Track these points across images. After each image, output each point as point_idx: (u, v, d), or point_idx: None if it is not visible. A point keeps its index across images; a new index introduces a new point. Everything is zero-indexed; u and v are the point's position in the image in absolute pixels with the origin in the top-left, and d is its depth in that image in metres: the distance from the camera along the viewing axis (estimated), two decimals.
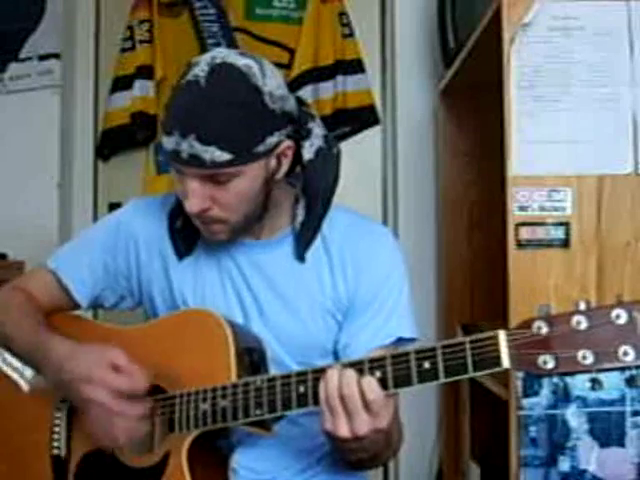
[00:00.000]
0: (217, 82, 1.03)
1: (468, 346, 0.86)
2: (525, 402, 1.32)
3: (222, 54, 1.06)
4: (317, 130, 1.16)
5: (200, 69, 1.04)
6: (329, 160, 1.17)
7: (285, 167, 1.13)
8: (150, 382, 1.03)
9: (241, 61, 1.05)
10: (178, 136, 1.02)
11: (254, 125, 1.04)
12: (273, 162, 1.09)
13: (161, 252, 1.22)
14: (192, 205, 1.06)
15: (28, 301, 1.21)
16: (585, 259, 1.36)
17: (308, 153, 1.14)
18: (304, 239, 1.17)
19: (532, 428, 1.32)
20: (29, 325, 1.16)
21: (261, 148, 1.05)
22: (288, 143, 1.10)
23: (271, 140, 1.06)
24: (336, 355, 1.18)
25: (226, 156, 1.02)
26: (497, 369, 0.85)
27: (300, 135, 1.13)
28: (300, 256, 1.17)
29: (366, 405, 0.90)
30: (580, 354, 0.81)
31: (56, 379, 1.07)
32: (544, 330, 0.82)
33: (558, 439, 1.32)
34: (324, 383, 0.92)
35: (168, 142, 1.04)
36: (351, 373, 0.91)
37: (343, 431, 0.91)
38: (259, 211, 1.13)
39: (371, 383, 0.90)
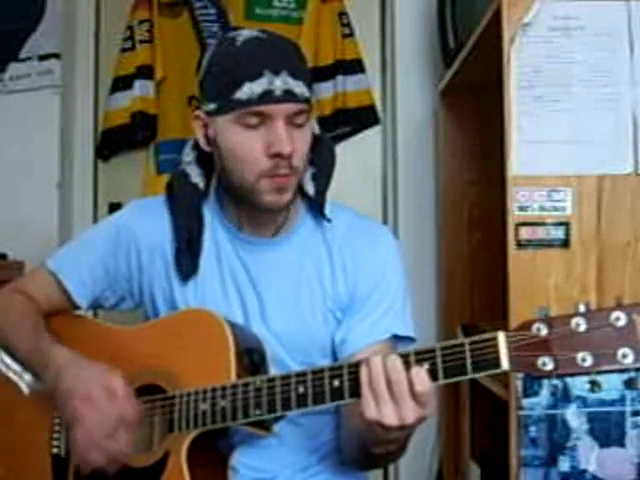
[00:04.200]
0: (274, 37, 1.12)
1: (467, 347, 0.86)
2: (525, 402, 1.32)
3: None
4: None
5: (248, 32, 1.10)
6: (328, 138, 1.24)
7: None
8: (141, 416, 1.03)
9: None
10: (270, 75, 1.05)
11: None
12: None
13: (162, 253, 1.21)
14: (286, 144, 1.06)
15: (28, 304, 1.21)
16: (585, 259, 1.36)
17: (315, 126, 1.17)
18: (320, 200, 1.19)
19: (532, 428, 1.32)
20: (29, 330, 1.15)
21: None
22: None
23: None
24: (334, 353, 1.18)
25: (307, 93, 1.09)
26: (496, 371, 0.85)
27: None
28: (322, 216, 1.19)
29: (413, 394, 0.87)
30: (579, 356, 0.81)
31: (53, 387, 1.07)
32: (544, 332, 0.83)
33: (558, 439, 1.32)
34: (367, 367, 0.90)
35: (256, 85, 1.05)
36: (396, 358, 0.88)
37: (390, 419, 0.88)
38: (300, 182, 1.15)
39: (420, 373, 0.87)
